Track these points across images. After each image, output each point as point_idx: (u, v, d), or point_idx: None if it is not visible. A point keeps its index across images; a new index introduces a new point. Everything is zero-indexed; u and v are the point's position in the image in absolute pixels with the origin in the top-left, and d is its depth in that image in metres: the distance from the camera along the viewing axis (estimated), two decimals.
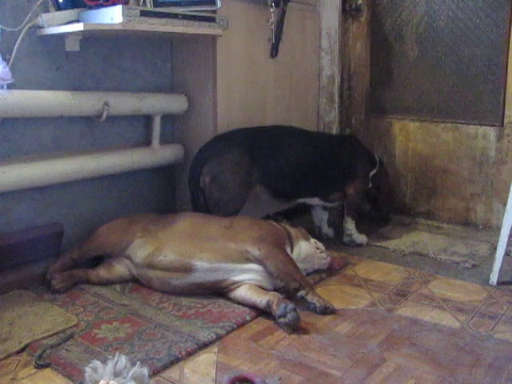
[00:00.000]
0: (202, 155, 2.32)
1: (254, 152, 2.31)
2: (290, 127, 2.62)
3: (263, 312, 1.81)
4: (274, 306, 1.75)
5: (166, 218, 2.14)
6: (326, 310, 1.83)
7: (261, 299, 1.81)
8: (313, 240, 2.16)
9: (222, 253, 1.92)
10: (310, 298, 1.85)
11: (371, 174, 2.63)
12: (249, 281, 1.90)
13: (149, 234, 2.04)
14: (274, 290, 1.93)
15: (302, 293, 1.86)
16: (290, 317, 1.69)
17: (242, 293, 1.87)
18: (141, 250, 2.00)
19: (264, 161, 2.32)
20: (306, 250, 2.08)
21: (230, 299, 1.90)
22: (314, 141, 2.55)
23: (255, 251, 1.90)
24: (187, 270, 1.90)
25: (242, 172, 2.27)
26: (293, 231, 2.10)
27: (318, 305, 1.83)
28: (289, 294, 1.89)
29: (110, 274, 2.05)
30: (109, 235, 2.08)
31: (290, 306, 1.71)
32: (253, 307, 1.83)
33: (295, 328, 1.70)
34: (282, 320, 1.70)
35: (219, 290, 1.94)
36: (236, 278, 1.91)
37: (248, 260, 1.91)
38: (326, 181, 2.49)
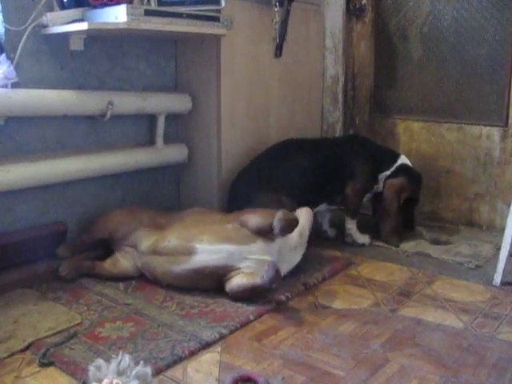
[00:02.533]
0: (235, 202, 2.35)
1: (277, 180, 2.35)
2: (294, 140, 2.62)
3: (267, 312, 1.81)
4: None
5: (174, 212, 2.24)
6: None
7: (255, 278, 1.84)
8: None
9: (221, 234, 1.95)
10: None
11: (381, 175, 2.57)
12: (246, 269, 1.91)
13: (156, 225, 2.11)
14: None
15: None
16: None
17: (237, 281, 1.88)
18: (147, 238, 2.06)
19: (285, 180, 2.37)
20: None
21: (227, 290, 1.90)
22: (320, 148, 2.56)
23: (273, 219, 1.91)
24: (188, 253, 1.93)
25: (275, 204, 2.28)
26: None
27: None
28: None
29: (115, 268, 2.07)
30: (114, 217, 2.20)
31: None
32: (252, 290, 1.84)
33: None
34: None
35: (218, 281, 1.93)
36: (235, 264, 1.91)
37: (248, 240, 1.93)
38: (332, 185, 2.50)
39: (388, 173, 2.57)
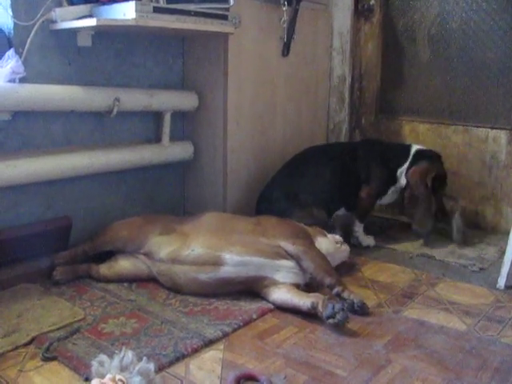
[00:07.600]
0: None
1: (305, 192, 2.40)
2: (314, 148, 2.65)
3: (270, 311, 1.81)
4: (320, 308, 1.70)
5: (190, 217, 2.16)
6: (364, 307, 1.81)
7: (304, 301, 1.77)
8: (330, 235, 2.16)
9: (252, 247, 1.90)
10: (346, 294, 1.83)
11: (399, 170, 2.55)
12: (282, 279, 1.89)
13: (173, 231, 2.01)
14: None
15: (337, 289, 1.84)
16: (339, 317, 1.65)
17: (281, 296, 1.84)
18: (165, 245, 1.96)
19: (312, 190, 2.42)
20: (326, 247, 2.05)
21: (269, 302, 1.87)
22: (338, 154, 2.59)
23: (289, 246, 1.91)
24: (216, 263, 1.87)
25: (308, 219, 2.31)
26: (310, 230, 2.11)
27: (355, 301, 1.80)
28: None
29: (109, 272, 2.03)
30: (120, 231, 2.07)
31: (338, 305, 1.67)
32: (294, 310, 1.80)
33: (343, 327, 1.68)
34: (330, 321, 1.66)
35: (251, 289, 1.91)
36: (268, 275, 1.89)
37: (279, 256, 1.90)
38: (350, 189, 2.53)
39: (406, 165, 2.54)
